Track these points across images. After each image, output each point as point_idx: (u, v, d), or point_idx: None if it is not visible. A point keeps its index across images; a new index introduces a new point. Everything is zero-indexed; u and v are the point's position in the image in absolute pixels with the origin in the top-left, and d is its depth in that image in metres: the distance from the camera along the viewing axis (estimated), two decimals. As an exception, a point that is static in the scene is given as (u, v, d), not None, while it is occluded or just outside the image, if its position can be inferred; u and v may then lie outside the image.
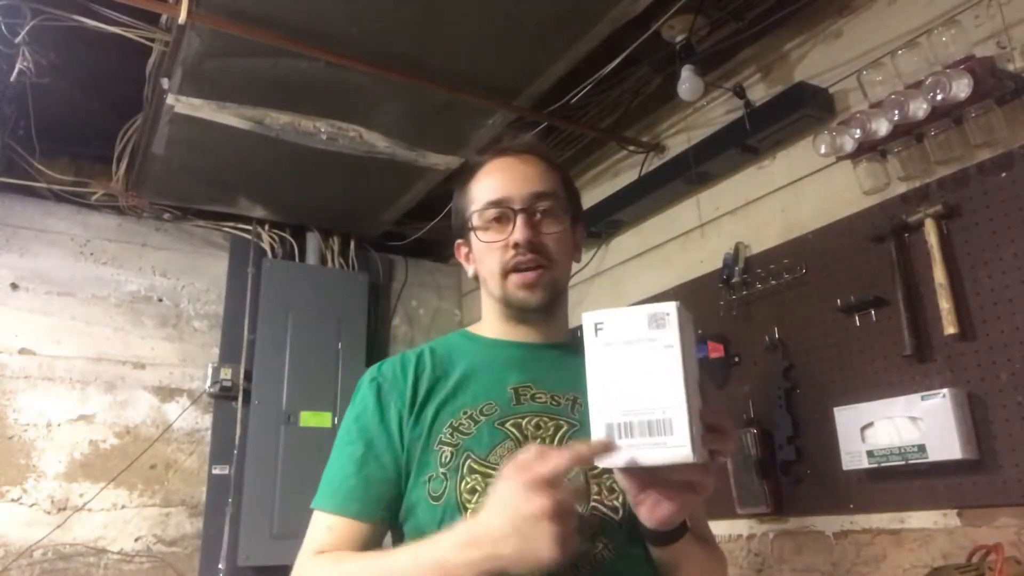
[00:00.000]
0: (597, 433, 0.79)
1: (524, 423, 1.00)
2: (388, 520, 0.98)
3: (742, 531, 2.14)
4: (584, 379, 0.82)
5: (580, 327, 0.85)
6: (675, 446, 0.77)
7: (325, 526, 0.98)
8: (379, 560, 0.91)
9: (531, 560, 0.76)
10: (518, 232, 1.03)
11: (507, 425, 1.00)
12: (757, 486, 2.02)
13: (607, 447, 0.78)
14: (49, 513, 2.61)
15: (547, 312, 1.09)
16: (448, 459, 0.97)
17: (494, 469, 0.95)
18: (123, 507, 2.74)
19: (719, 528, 2.19)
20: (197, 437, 2.92)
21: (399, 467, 0.99)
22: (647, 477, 0.82)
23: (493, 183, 1.08)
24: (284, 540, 2.73)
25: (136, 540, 2.73)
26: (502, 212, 1.06)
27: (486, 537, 0.79)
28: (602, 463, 0.80)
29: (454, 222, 1.16)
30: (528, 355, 1.08)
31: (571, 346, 0.92)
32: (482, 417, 1.00)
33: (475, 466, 0.96)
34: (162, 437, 2.85)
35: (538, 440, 0.98)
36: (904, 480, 1.74)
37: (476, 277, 1.13)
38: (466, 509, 0.94)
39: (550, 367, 1.06)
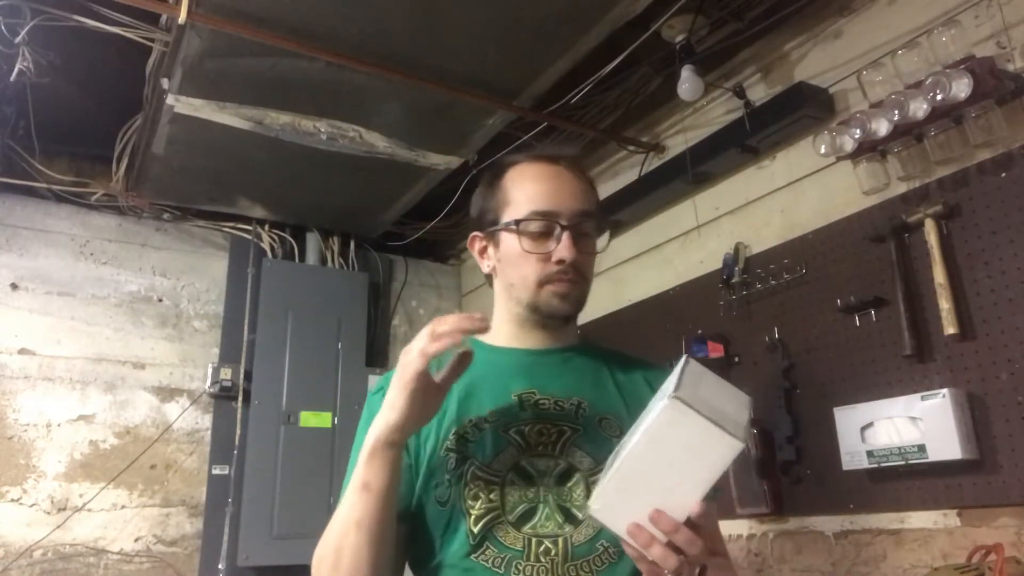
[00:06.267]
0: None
1: (527, 430, 1.01)
2: (401, 512, 0.99)
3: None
4: (588, 380, 0.83)
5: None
6: (596, 494, 0.82)
7: None
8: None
9: (404, 388, 0.85)
10: (565, 251, 1.03)
11: (510, 432, 1.01)
12: (757, 486, 2.02)
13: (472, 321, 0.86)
14: (49, 513, 2.61)
15: (568, 322, 1.11)
16: (453, 466, 0.98)
17: (496, 476, 0.97)
18: (123, 507, 2.74)
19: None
20: (197, 437, 2.92)
21: (408, 464, 1.00)
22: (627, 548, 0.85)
23: (542, 192, 1.06)
24: (284, 540, 2.73)
25: (136, 540, 2.73)
26: (548, 224, 1.05)
27: (377, 418, 0.90)
28: None
29: (476, 215, 1.14)
30: (533, 361, 1.09)
31: (578, 348, 0.93)
32: (487, 425, 1.01)
33: (478, 473, 0.97)
34: (162, 437, 2.85)
35: (540, 447, 1.00)
36: (904, 480, 1.74)
37: (490, 274, 1.13)
38: (469, 515, 0.95)
39: (556, 372, 1.07)
